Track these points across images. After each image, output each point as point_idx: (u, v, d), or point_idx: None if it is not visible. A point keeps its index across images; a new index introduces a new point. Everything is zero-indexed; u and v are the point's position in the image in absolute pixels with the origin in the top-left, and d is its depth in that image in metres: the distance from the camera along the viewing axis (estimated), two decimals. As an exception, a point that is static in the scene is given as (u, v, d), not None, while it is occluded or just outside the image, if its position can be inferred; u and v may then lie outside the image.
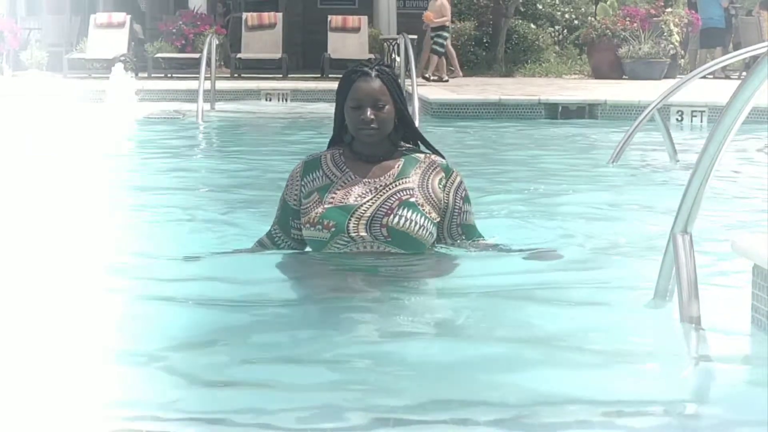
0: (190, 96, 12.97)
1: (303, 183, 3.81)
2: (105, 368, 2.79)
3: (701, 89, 11.84)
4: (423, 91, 13.20)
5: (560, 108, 12.26)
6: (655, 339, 3.13)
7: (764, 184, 6.35)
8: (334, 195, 3.74)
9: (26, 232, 4.82)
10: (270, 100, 14.66)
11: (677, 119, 11.32)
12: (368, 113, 3.66)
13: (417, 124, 12.30)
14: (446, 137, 10.42)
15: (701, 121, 11.26)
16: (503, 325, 3.24)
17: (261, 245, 3.97)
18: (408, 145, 3.88)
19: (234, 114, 12.94)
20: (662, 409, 2.54)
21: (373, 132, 3.69)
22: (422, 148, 3.91)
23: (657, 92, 8.21)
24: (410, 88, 12.56)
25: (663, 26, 18.03)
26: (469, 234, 3.87)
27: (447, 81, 16.82)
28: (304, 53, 20.11)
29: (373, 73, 3.71)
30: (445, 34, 17.34)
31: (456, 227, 3.83)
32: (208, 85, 12.66)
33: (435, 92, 13.61)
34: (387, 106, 3.70)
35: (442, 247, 3.86)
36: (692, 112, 11.37)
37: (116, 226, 5.01)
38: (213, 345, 3.02)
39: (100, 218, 5.20)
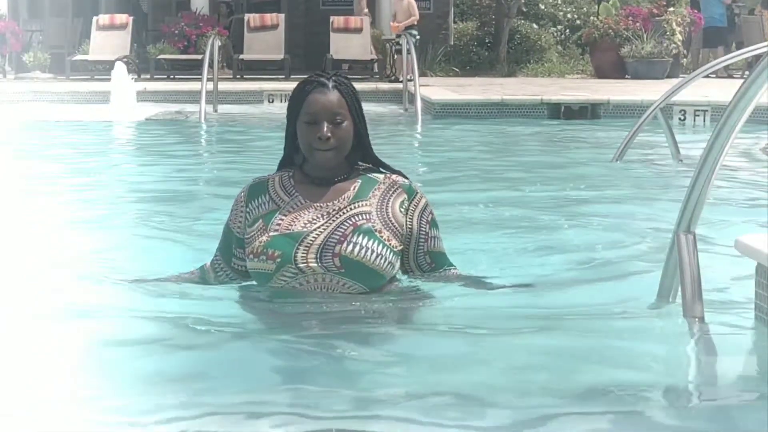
0: (193, 97, 13.01)
1: (248, 210, 3.39)
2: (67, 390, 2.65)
3: (704, 88, 11.85)
4: (425, 91, 13.21)
5: (563, 108, 12.26)
6: (658, 338, 3.12)
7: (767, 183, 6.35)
8: (280, 221, 3.29)
9: (17, 231, 4.83)
10: (272, 101, 14.65)
11: (680, 119, 11.32)
12: (324, 129, 3.21)
13: (419, 125, 12.31)
14: (449, 137, 10.42)
15: (704, 121, 11.25)
16: (498, 332, 3.24)
17: (202, 272, 3.52)
18: (367, 165, 3.42)
19: (236, 115, 12.94)
20: (665, 408, 2.54)
21: (330, 154, 3.25)
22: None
23: (659, 92, 8.22)
24: (413, 88, 12.60)
25: (665, 26, 18.03)
26: (438, 263, 3.42)
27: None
28: (307, 54, 20.08)
29: (331, 84, 3.26)
30: (415, 32, 17.07)
31: (423, 255, 3.38)
32: (210, 86, 12.69)
33: (437, 93, 13.61)
34: (345, 122, 3.25)
35: (408, 280, 3.43)
36: (695, 111, 11.36)
37: (113, 228, 5.00)
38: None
39: (98, 221, 5.19)
